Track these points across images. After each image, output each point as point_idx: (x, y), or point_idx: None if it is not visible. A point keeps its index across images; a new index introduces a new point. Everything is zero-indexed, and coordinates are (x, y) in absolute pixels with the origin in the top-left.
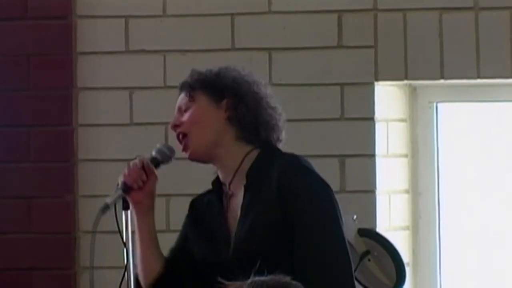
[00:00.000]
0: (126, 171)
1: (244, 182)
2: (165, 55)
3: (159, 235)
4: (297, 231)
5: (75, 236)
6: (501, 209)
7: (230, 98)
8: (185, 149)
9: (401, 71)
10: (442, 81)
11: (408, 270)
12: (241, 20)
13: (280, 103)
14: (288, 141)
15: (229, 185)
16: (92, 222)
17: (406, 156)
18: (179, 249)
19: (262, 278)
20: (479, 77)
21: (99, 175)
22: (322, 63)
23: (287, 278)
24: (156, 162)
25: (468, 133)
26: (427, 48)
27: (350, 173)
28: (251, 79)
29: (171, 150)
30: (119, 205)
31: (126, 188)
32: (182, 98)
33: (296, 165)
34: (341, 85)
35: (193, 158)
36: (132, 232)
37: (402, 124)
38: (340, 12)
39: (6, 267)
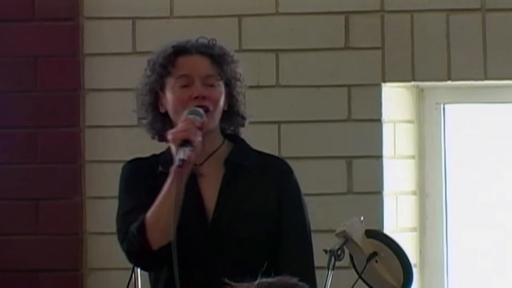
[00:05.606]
0: (182, 129)
1: (221, 168)
2: None
3: None
4: (286, 221)
5: (82, 238)
6: (508, 210)
7: (230, 90)
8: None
9: (408, 73)
10: (449, 82)
11: (415, 271)
12: (248, 21)
13: (288, 105)
14: (295, 142)
15: (199, 165)
16: (99, 223)
17: (413, 157)
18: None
19: (269, 279)
20: (486, 78)
21: (106, 176)
22: (329, 64)
23: (294, 279)
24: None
25: (475, 134)
26: (434, 49)
27: (357, 174)
28: (238, 68)
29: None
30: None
31: (191, 145)
32: (209, 66)
33: (289, 168)
34: (348, 86)
35: (203, 130)
36: None
37: (409, 125)
38: (347, 13)
39: (14, 269)
